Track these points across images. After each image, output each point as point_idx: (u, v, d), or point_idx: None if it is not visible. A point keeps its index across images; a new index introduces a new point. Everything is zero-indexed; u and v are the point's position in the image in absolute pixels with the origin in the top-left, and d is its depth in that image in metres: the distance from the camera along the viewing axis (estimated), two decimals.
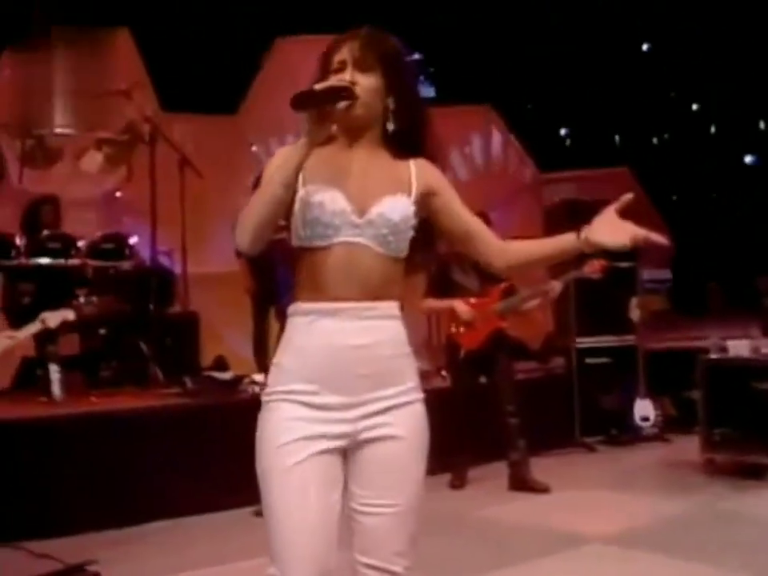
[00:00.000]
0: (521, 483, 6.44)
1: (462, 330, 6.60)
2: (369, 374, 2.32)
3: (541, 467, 6.69)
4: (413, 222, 2.39)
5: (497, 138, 11.93)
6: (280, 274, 7.78)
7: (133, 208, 9.09)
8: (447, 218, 2.47)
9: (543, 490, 6.37)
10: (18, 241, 7.45)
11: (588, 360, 8.24)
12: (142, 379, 7.36)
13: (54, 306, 6.93)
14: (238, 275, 7.62)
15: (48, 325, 5.00)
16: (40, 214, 7.87)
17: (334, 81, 2.33)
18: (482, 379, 6.70)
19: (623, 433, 8.05)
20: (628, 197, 2.37)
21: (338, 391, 2.30)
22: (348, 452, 2.34)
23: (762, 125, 14.01)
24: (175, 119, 9.42)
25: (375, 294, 2.34)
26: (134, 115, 8.25)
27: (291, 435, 2.27)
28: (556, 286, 6.61)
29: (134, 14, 10.19)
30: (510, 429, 6.44)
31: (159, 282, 7.84)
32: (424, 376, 8.15)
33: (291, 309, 2.38)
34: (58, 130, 8.07)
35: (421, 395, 2.41)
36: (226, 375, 7.15)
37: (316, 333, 2.32)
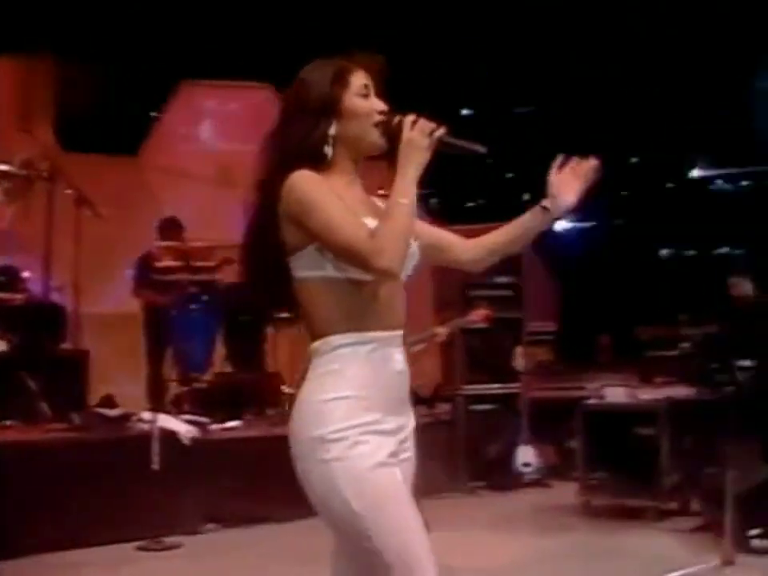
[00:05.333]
0: None
1: None
2: (405, 397, 2.44)
3: (424, 510, 6.79)
4: None
5: None
6: (175, 316, 7.89)
7: (27, 244, 9.03)
8: None
9: None
10: None
11: (473, 407, 8.44)
12: (28, 414, 7.30)
13: None
14: (131, 317, 7.67)
15: None
16: None
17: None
18: None
19: (505, 478, 8.23)
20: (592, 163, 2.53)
21: (394, 416, 2.39)
22: None
23: None
24: (75, 158, 9.41)
25: (403, 322, 2.45)
26: (34, 151, 8.24)
27: (385, 458, 2.32)
28: (441, 331, 6.78)
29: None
30: None
31: (50, 317, 7.82)
32: None
33: (343, 339, 2.34)
34: None
35: None
36: (114, 412, 7.12)
37: (379, 361, 2.35)
